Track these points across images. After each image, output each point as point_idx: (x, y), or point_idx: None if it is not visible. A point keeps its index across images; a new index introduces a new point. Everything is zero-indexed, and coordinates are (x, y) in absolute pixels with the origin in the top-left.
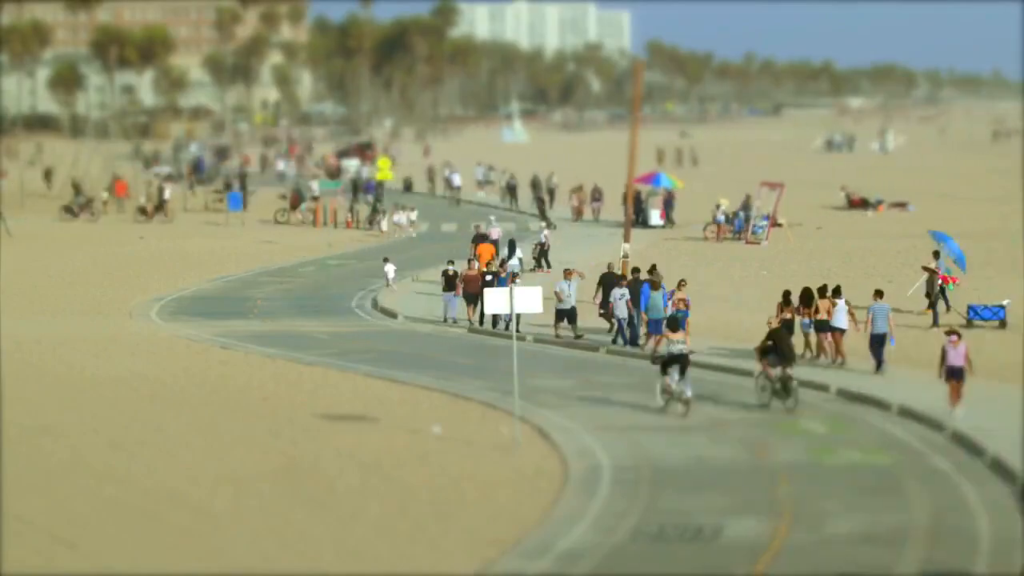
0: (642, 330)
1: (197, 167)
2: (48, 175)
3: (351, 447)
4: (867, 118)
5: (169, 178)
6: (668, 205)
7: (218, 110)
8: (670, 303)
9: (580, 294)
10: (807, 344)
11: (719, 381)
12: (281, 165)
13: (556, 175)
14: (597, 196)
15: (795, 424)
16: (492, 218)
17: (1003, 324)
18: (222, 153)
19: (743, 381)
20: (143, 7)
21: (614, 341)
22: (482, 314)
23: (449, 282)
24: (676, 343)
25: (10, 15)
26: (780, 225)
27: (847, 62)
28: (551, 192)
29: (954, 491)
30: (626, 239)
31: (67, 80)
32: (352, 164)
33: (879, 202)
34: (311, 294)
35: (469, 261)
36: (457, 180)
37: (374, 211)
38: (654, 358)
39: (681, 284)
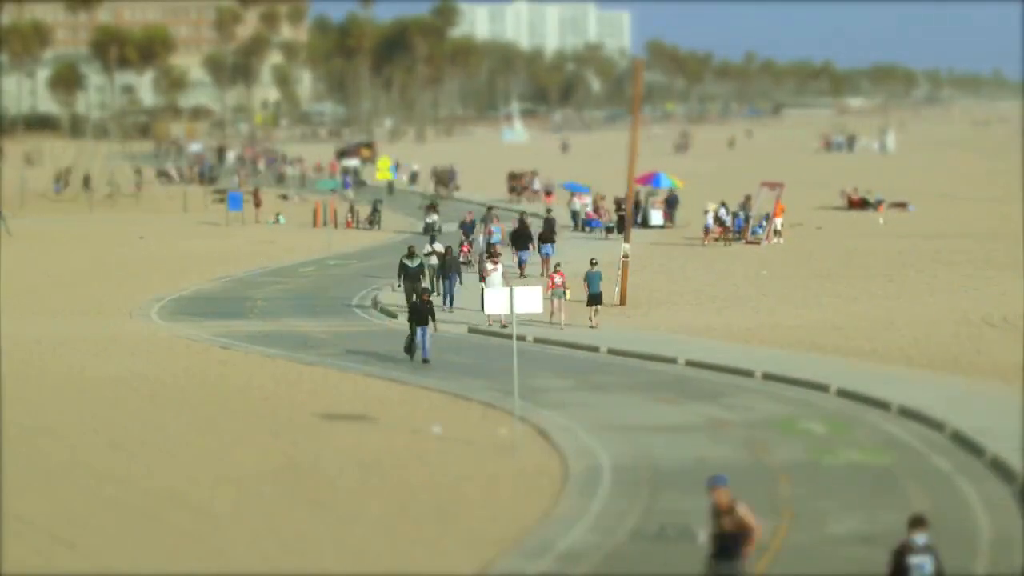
0: None
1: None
2: (87, 182)
3: (351, 447)
4: (867, 117)
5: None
6: (671, 205)
7: (218, 110)
8: None
9: None
10: None
11: (719, 381)
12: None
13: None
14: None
15: (795, 424)
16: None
17: None
18: (222, 153)
19: (743, 381)
20: (143, 7)
21: None
22: None
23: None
24: None
25: (10, 15)
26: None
27: (847, 62)
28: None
29: (954, 491)
30: (626, 239)
31: (67, 80)
32: (352, 164)
33: (879, 202)
34: (311, 294)
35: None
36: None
37: (374, 211)
38: None
39: None
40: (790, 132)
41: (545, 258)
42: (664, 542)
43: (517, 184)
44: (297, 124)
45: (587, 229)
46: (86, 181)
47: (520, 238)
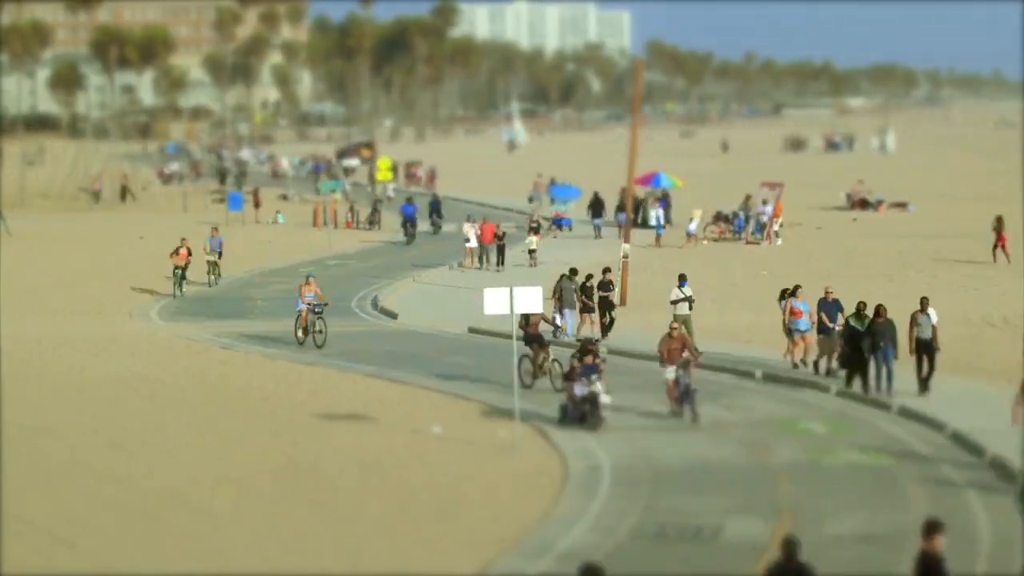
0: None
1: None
2: (124, 193)
3: (351, 447)
4: (867, 117)
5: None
6: (665, 205)
7: (218, 110)
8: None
9: None
10: None
11: (720, 381)
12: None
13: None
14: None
15: (795, 424)
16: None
17: None
18: (219, 153)
19: (743, 382)
20: (143, 7)
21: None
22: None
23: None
24: None
25: (10, 15)
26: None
27: (847, 62)
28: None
29: (954, 491)
30: (626, 240)
31: (67, 80)
32: (352, 163)
33: (879, 202)
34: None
35: None
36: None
37: (374, 211)
38: None
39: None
40: (758, 133)
41: (620, 225)
42: (664, 542)
43: (412, 172)
44: (296, 124)
45: (562, 227)
46: (123, 192)
47: (596, 207)
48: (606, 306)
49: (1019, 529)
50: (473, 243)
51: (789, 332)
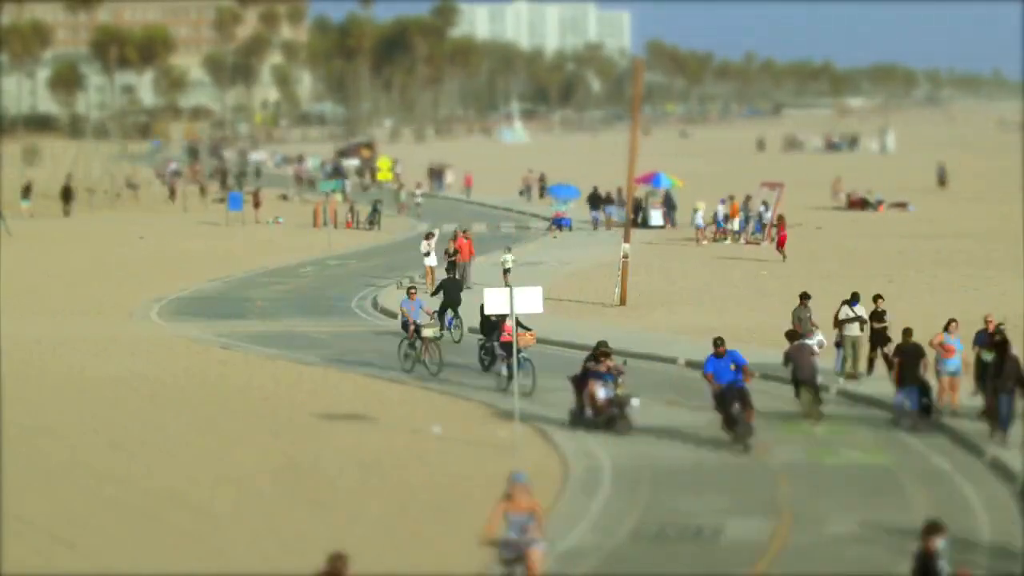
0: None
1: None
2: (67, 194)
3: (351, 447)
4: (867, 117)
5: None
6: (669, 205)
7: (218, 110)
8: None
9: None
10: None
11: None
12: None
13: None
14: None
15: (795, 424)
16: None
17: None
18: (216, 151)
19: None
20: (143, 7)
21: None
22: None
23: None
24: None
25: (10, 15)
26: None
27: (847, 62)
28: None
29: (954, 491)
30: (626, 239)
31: (67, 80)
32: (352, 163)
33: (879, 202)
34: (311, 294)
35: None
36: None
37: (374, 211)
38: None
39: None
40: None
41: (608, 217)
42: (664, 542)
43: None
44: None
45: (562, 228)
46: (66, 194)
47: (594, 200)
48: (879, 340)
49: (1019, 528)
50: (432, 260)
51: (937, 373)
